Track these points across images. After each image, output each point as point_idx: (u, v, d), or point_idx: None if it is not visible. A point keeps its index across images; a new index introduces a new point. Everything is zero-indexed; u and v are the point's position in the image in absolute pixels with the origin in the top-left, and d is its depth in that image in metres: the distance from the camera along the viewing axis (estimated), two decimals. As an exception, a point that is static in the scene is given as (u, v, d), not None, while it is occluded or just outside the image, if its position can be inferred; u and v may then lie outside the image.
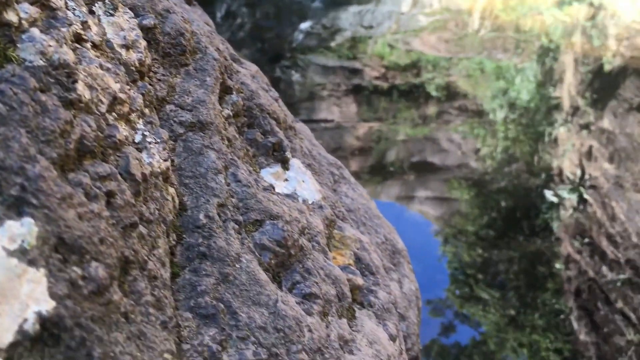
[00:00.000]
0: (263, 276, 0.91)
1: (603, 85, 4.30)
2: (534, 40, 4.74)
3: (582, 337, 2.61)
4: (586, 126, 3.87)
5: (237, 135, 1.12)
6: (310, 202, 1.18)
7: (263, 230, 0.98)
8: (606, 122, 3.91)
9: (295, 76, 4.39)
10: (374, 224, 1.49)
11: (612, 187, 3.40)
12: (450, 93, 4.27)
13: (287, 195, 1.13)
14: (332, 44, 4.75)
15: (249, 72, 1.37)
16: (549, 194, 3.39)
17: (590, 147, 3.70)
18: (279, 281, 0.97)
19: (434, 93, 4.22)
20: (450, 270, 3.16)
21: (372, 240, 1.40)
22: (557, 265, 3.00)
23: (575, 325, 2.69)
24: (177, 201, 0.91)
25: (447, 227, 3.47)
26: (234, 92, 1.18)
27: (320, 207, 1.20)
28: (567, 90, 4.28)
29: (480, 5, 5.19)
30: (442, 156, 3.81)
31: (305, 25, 4.92)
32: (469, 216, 3.48)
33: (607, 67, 4.39)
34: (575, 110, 4.09)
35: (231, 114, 1.15)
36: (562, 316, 2.75)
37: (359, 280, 1.15)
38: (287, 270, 1.01)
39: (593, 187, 3.41)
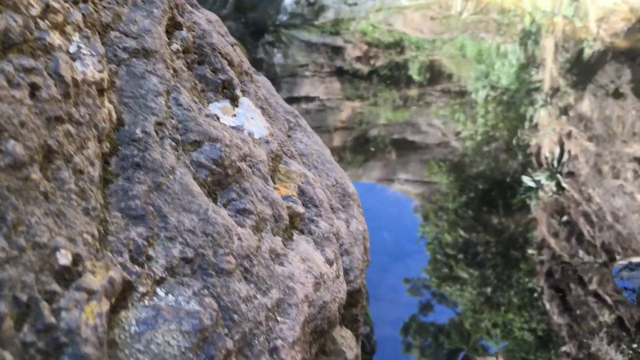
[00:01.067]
0: (197, 189, 0.95)
1: (583, 69, 4.35)
2: (517, 23, 4.75)
3: (555, 318, 2.68)
4: (565, 110, 3.93)
5: (184, 69, 1.16)
6: (256, 137, 1.23)
7: (201, 150, 1.04)
8: (585, 106, 3.97)
9: (278, 56, 4.36)
10: (325, 167, 1.55)
11: (590, 172, 3.46)
12: (433, 74, 4.28)
13: (233, 127, 1.17)
14: (316, 22, 4.72)
15: (205, 17, 1.40)
16: (527, 180, 3.44)
17: (570, 131, 3.76)
18: (214, 198, 1.00)
19: (415, 77, 4.23)
20: (430, 251, 3.21)
21: (323, 182, 1.46)
22: (530, 251, 3.06)
23: (547, 305, 2.75)
24: (114, 116, 0.94)
25: (428, 203, 3.51)
26: (184, 29, 1.21)
27: (267, 142, 1.26)
28: (549, 73, 4.32)
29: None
30: (422, 137, 3.84)
31: (289, 1, 4.88)
32: (449, 195, 3.52)
33: (588, 51, 4.43)
34: (555, 91, 4.14)
35: (180, 49, 1.19)
36: (535, 295, 2.81)
37: (300, 209, 1.20)
38: (223, 189, 1.04)
39: (571, 173, 3.47)
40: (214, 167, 1.02)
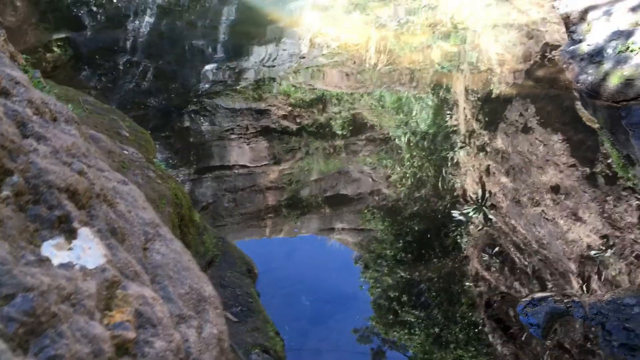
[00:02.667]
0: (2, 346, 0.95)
1: (492, 109, 4.66)
2: (428, 71, 5.05)
3: (500, 348, 2.77)
4: (482, 147, 4.18)
5: (12, 215, 1.17)
6: (91, 268, 1.26)
7: (13, 303, 1.04)
8: (499, 142, 4.24)
9: (204, 123, 4.42)
10: (181, 276, 1.59)
11: (510, 203, 3.66)
12: (357, 126, 4.45)
13: (62, 265, 1.20)
14: (238, 87, 4.82)
15: (51, 147, 1.41)
16: (456, 214, 3.60)
17: (488, 166, 3.99)
18: (25, 348, 1.01)
19: (339, 131, 4.39)
20: (373, 297, 3.27)
21: (176, 291, 1.51)
22: (467, 283, 3.18)
23: (490, 337, 2.85)
24: None
25: (367, 252, 3.59)
26: (16, 174, 1.23)
27: (103, 270, 1.28)
28: (463, 115, 4.60)
29: (374, 42, 5.47)
30: (355, 187, 3.95)
31: (209, 68, 4.98)
32: (386, 242, 3.61)
33: (495, 92, 4.76)
34: (471, 132, 4.40)
35: (11, 194, 1.20)
36: (478, 328, 2.91)
37: (130, 335, 1.25)
38: (37, 337, 1.05)
39: (494, 205, 3.67)
40: (25, 318, 1.03)
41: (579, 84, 4.50)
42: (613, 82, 4.30)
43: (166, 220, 2.15)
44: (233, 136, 4.30)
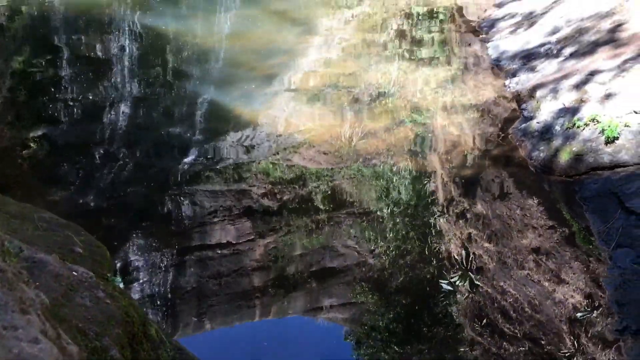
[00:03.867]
0: None
1: (468, 175, 4.79)
2: (403, 141, 5.21)
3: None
4: (462, 214, 4.27)
5: None
6: None
7: None
8: (479, 208, 4.34)
9: (186, 207, 4.44)
10: None
11: (496, 266, 3.72)
12: (338, 200, 4.52)
13: None
14: (217, 168, 4.89)
15: None
16: (444, 284, 3.63)
17: (470, 234, 4.07)
18: None
19: (321, 206, 4.45)
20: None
21: None
22: (462, 349, 3.17)
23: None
24: None
25: (359, 326, 3.56)
26: None
27: None
28: (441, 184, 4.71)
29: (349, 117, 5.65)
30: (341, 260, 3.97)
31: (188, 159, 5.04)
32: (377, 313, 3.60)
33: (469, 159, 4.91)
34: (450, 200, 4.50)
35: None
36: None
37: None
38: None
39: (480, 269, 3.71)
40: None
41: (532, 161, 4.61)
42: (564, 157, 4.42)
43: (114, 342, 2.07)
44: (215, 219, 4.32)
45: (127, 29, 7.91)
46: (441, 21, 8.33)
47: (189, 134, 5.35)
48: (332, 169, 4.86)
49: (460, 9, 8.85)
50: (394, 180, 4.73)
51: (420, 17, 8.52)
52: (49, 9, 8.70)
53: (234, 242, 4.12)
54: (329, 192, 4.58)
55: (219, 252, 4.01)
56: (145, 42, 7.50)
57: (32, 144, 5.17)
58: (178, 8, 8.47)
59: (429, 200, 4.54)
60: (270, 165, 4.91)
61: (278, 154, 5.04)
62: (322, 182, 4.70)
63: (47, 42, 7.54)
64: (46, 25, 8.16)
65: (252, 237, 4.16)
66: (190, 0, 8.93)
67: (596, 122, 4.43)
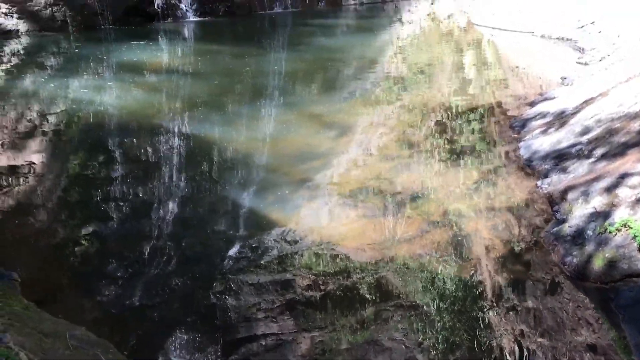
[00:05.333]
0: None
1: (515, 266, 4.82)
2: (447, 231, 5.31)
3: None
4: (513, 308, 4.26)
5: None
6: None
7: None
8: (529, 302, 4.33)
9: (229, 300, 4.51)
10: None
11: None
12: (382, 292, 4.56)
13: None
14: (261, 262, 5.00)
15: None
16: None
17: (522, 330, 4.03)
18: None
19: (365, 298, 4.49)
20: None
21: None
22: None
23: None
24: None
25: None
26: None
27: None
28: (488, 275, 4.74)
29: (391, 209, 5.80)
30: (387, 355, 3.94)
31: (232, 247, 5.19)
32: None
33: (502, 263, 4.94)
34: (501, 290, 4.50)
35: None
36: None
37: None
38: None
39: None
40: None
41: (566, 266, 4.57)
42: (597, 264, 4.37)
43: None
44: (260, 313, 4.37)
45: (174, 133, 8.38)
46: (477, 118, 8.65)
47: (230, 233, 5.52)
48: (376, 261, 4.95)
49: (497, 106, 9.22)
50: (439, 272, 4.77)
51: (457, 114, 8.86)
52: (102, 115, 9.29)
53: (279, 336, 4.14)
54: (374, 284, 4.64)
55: (264, 346, 4.03)
56: (191, 146, 7.90)
57: (80, 243, 5.38)
58: (223, 115, 8.97)
59: (478, 290, 4.55)
60: (313, 259, 5.01)
61: (319, 248, 5.15)
62: (366, 274, 4.77)
63: (100, 145, 8.00)
64: (100, 130, 8.68)
65: (297, 330, 4.18)
66: (236, 108, 9.45)
67: (628, 228, 4.40)
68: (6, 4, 14.43)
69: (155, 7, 17.29)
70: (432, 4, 22.14)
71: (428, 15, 20.39)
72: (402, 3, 21.94)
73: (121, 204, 6.15)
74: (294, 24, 18.48)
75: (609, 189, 4.96)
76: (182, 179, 6.87)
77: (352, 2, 21.38)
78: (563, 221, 5.06)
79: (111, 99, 10.02)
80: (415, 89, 10.52)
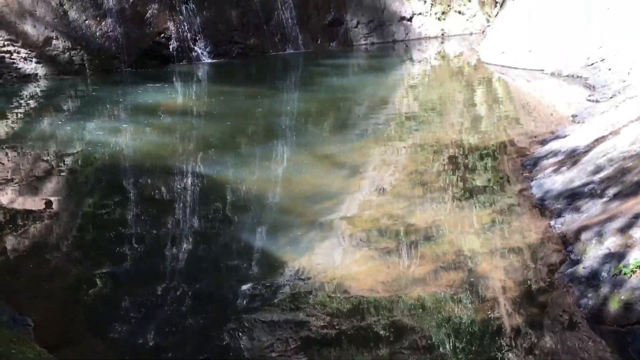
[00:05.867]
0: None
1: (531, 308, 4.78)
2: (461, 272, 5.29)
3: None
4: (530, 349, 4.21)
5: None
6: None
7: None
8: (548, 342, 4.28)
9: (243, 339, 4.51)
10: None
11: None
12: (398, 331, 4.53)
13: None
14: (275, 301, 5.01)
15: None
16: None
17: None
18: None
19: (381, 337, 4.47)
20: None
21: None
22: None
23: None
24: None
25: None
26: None
27: None
28: (503, 317, 4.70)
29: (404, 249, 5.81)
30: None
31: (246, 286, 5.21)
32: None
33: (534, 286, 4.91)
34: (517, 332, 4.46)
35: None
36: None
37: None
38: None
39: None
40: None
41: (581, 309, 4.52)
42: (613, 306, 4.32)
43: None
44: (273, 353, 4.36)
45: (188, 174, 8.50)
46: (489, 156, 8.69)
47: (243, 273, 5.55)
48: (390, 297, 4.94)
49: (508, 144, 9.26)
50: (454, 313, 4.74)
51: (469, 151, 8.91)
52: (117, 156, 9.45)
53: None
54: (388, 324, 4.61)
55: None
56: (204, 187, 8.00)
57: (94, 284, 5.43)
58: (236, 156, 9.08)
59: (495, 329, 4.51)
60: (327, 298, 5.01)
61: (333, 287, 5.15)
62: (380, 314, 4.76)
63: (115, 187, 8.12)
64: (115, 171, 8.82)
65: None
66: (249, 148, 9.57)
67: (642, 270, 4.38)
68: (25, 48, 14.82)
69: (171, 50, 17.68)
70: (441, 42, 22.47)
71: (438, 53, 20.68)
72: (412, 42, 22.28)
73: (135, 244, 6.21)
74: (306, 64, 18.80)
75: (623, 230, 4.93)
76: (196, 219, 6.93)
77: (363, 42, 21.74)
78: (577, 262, 5.02)
79: (126, 140, 10.20)
80: (427, 126, 10.61)
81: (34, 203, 7.46)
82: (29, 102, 13.37)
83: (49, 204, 7.39)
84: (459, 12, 23.86)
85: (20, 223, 6.77)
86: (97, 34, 16.21)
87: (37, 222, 6.83)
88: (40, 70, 15.14)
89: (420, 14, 23.11)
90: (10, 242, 6.29)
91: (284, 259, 5.72)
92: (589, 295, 4.55)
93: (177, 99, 13.84)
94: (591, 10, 14.25)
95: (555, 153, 7.66)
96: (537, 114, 11.71)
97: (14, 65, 14.75)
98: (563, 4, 15.40)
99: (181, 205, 7.32)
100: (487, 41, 18.53)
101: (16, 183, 8.12)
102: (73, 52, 15.66)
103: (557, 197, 6.41)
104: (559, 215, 6.03)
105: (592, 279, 4.65)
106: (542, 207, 6.51)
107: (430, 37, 22.83)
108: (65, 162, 9.14)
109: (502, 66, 15.58)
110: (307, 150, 9.34)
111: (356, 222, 6.53)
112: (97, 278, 5.50)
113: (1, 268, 5.78)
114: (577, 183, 6.42)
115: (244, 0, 19.31)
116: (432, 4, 23.29)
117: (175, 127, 11.17)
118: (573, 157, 7.16)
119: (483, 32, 22.78)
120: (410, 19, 22.87)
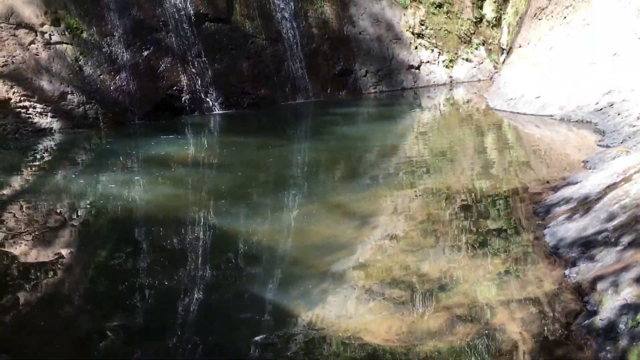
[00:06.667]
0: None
1: (550, 356, 4.66)
2: (475, 324, 5.20)
3: None
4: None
5: None
6: None
7: None
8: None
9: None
10: None
11: None
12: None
13: None
14: (288, 353, 4.93)
15: None
16: None
17: None
18: None
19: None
20: None
21: None
22: None
23: None
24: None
25: None
26: None
27: None
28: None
29: (418, 300, 5.73)
30: None
31: (259, 341, 5.15)
32: None
33: (548, 343, 4.80)
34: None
35: None
36: None
37: None
38: None
39: None
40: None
41: None
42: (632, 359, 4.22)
43: None
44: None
45: (199, 225, 8.52)
46: (501, 203, 8.65)
47: (255, 324, 5.49)
48: (403, 354, 4.84)
49: (520, 190, 9.22)
50: (472, 357, 4.65)
51: (480, 198, 8.89)
52: (129, 209, 9.52)
53: None
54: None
55: None
56: (215, 238, 8.01)
57: (106, 336, 5.39)
58: (247, 206, 9.11)
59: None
60: (340, 349, 4.93)
61: (346, 339, 5.06)
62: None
63: (127, 238, 8.16)
64: (126, 223, 8.87)
65: None
66: (259, 199, 9.61)
67: (661, 322, 4.28)
68: (41, 103, 15.17)
69: (183, 102, 18.02)
70: (450, 89, 22.75)
71: (447, 100, 20.90)
72: (421, 89, 22.57)
73: (146, 297, 6.19)
74: (316, 113, 19.05)
75: (638, 280, 4.85)
76: (207, 271, 6.92)
77: (372, 90, 22.05)
78: (594, 313, 4.92)
79: (138, 192, 10.29)
80: (438, 172, 10.62)
81: (46, 255, 7.48)
82: (43, 155, 13.60)
83: (60, 256, 7.41)
84: (467, 60, 24.22)
85: (32, 276, 6.78)
86: (111, 88, 16.58)
87: (49, 275, 6.84)
88: (55, 124, 15.44)
89: (428, 62, 23.49)
90: (21, 295, 6.30)
91: (296, 311, 5.66)
92: (607, 348, 4.44)
93: (189, 150, 14.02)
94: (597, 56, 14.42)
95: (567, 200, 7.61)
96: (548, 159, 11.70)
97: (30, 119, 15.07)
98: (569, 49, 15.60)
99: (192, 256, 7.31)
100: (495, 88, 18.73)
101: (29, 235, 8.17)
102: (87, 106, 15.99)
103: (571, 245, 6.34)
104: (574, 264, 5.94)
105: (610, 332, 4.55)
106: (556, 255, 6.42)
107: (438, 84, 23.12)
108: (78, 215, 9.21)
109: (511, 112, 15.68)
110: (318, 200, 9.36)
111: (368, 273, 6.47)
112: (109, 331, 5.47)
113: (11, 322, 5.76)
114: (590, 231, 6.35)
115: (255, 52, 19.76)
116: (439, 52, 23.69)
117: (187, 178, 11.27)
118: (585, 205, 7.11)
119: (491, 78, 23.05)
120: (418, 67, 23.23)
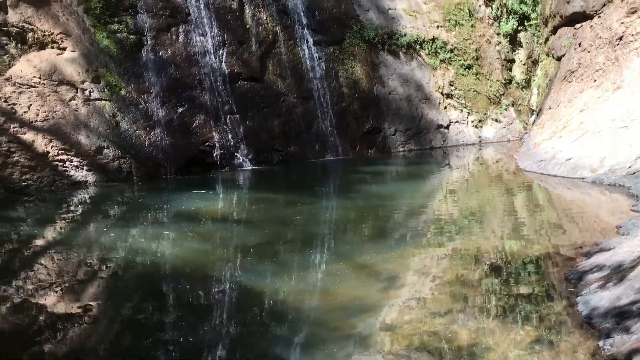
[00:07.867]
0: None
1: None
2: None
3: None
4: None
5: None
6: None
7: None
8: None
9: None
10: None
11: None
12: None
13: None
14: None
15: None
16: None
17: None
18: None
19: None
20: None
21: None
22: None
23: None
24: None
25: None
26: None
27: None
28: None
29: (447, 358, 5.58)
30: None
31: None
32: None
33: None
34: None
35: None
36: None
37: None
38: None
39: None
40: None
41: None
42: None
43: None
44: None
45: (225, 282, 8.53)
46: (532, 267, 8.48)
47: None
48: None
49: (551, 254, 9.02)
50: None
51: (510, 261, 8.72)
52: (157, 263, 9.61)
53: None
54: None
55: None
56: (240, 296, 8.00)
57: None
58: (273, 264, 9.11)
59: None
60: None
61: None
62: None
63: (154, 292, 8.21)
64: (155, 277, 8.94)
65: None
66: (286, 257, 9.61)
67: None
68: (78, 157, 15.64)
69: (214, 157, 18.38)
70: (479, 149, 22.73)
71: (476, 160, 20.86)
72: (450, 149, 22.61)
73: (171, 351, 6.17)
74: (345, 171, 19.18)
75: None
76: (232, 328, 6.88)
77: (401, 149, 22.18)
78: (632, 388, 4.71)
79: (167, 247, 10.39)
80: (467, 233, 10.50)
81: (73, 307, 7.55)
82: (77, 208, 13.91)
83: (88, 308, 7.47)
84: (496, 120, 24.29)
85: (60, 327, 6.84)
86: (146, 143, 17.05)
87: (75, 326, 6.88)
88: (90, 178, 15.85)
89: (457, 122, 23.63)
90: (48, 346, 6.33)
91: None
92: None
93: (219, 205, 14.18)
94: (629, 119, 14.32)
95: (600, 267, 7.42)
96: (580, 223, 11.48)
97: (66, 172, 15.52)
98: (600, 112, 15.55)
99: (218, 313, 7.30)
100: (525, 148, 18.66)
101: (58, 287, 8.28)
102: (122, 160, 16.42)
103: (605, 315, 6.13)
104: (608, 336, 5.73)
105: (649, 409, 4.34)
106: (589, 325, 6.21)
107: (467, 144, 23.15)
108: (107, 268, 9.32)
109: (541, 174, 15.54)
110: (345, 259, 9.30)
111: (395, 337, 6.34)
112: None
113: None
114: (624, 301, 6.15)
115: (286, 110, 20.20)
116: (468, 113, 23.84)
117: (215, 234, 11.36)
118: (619, 273, 6.92)
119: (520, 139, 23.01)
120: (447, 127, 23.37)
